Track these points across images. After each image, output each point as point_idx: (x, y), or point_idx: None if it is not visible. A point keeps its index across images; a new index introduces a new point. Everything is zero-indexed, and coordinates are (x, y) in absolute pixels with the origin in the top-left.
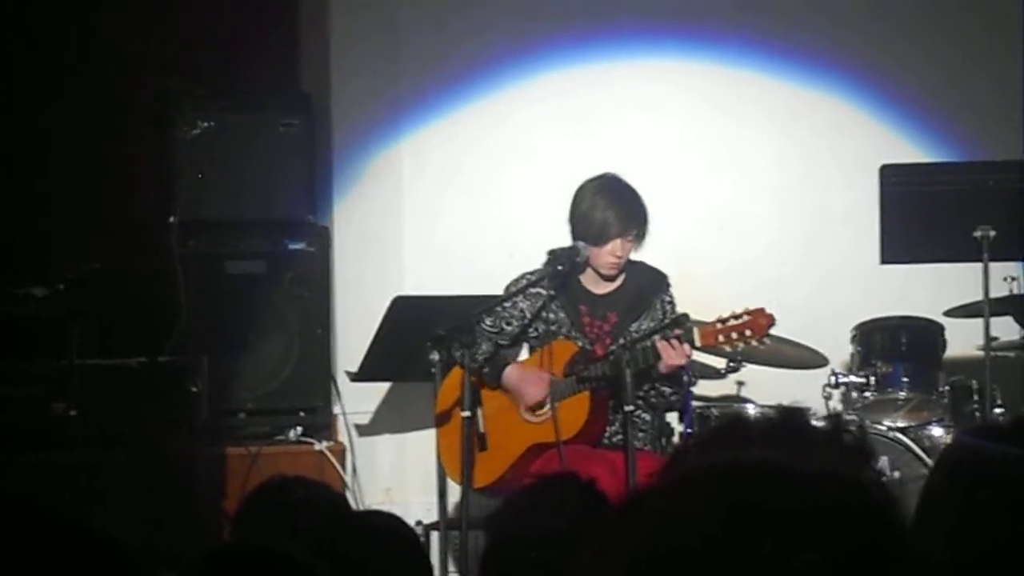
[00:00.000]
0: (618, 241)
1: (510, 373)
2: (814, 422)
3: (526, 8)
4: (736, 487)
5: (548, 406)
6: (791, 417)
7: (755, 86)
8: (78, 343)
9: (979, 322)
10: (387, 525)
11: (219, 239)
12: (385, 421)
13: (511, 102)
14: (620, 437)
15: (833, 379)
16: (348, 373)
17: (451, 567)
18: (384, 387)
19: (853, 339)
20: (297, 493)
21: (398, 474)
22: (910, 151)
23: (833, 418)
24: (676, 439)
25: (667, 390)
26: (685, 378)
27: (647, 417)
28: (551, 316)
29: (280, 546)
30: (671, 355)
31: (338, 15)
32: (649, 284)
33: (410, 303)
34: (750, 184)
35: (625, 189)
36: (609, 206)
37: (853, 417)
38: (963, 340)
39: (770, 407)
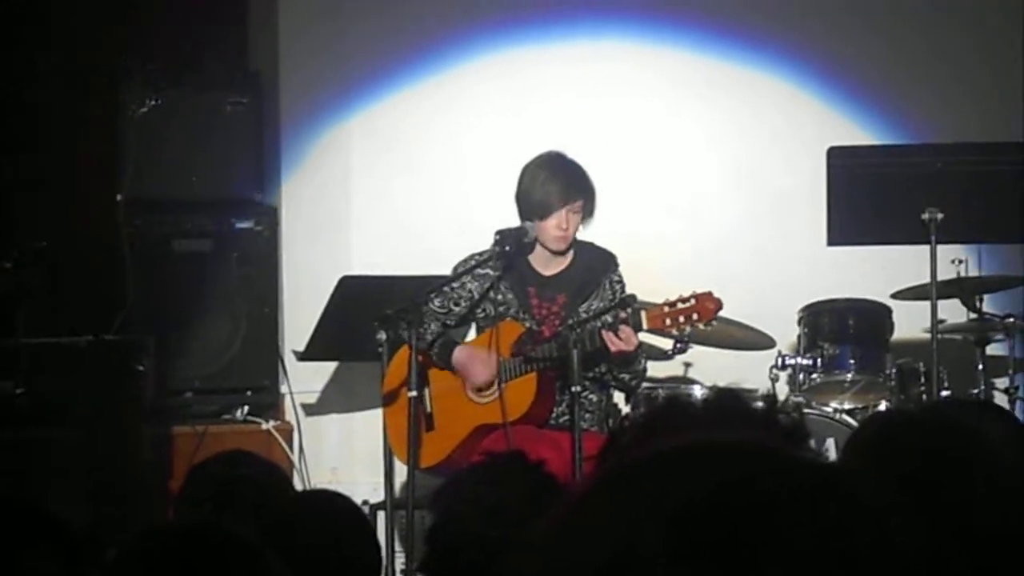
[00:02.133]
0: (562, 212)
1: (459, 353)
2: (752, 404)
3: None
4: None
5: (495, 387)
6: (728, 398)
7: (704, 68)
8: (25, 321)
9: (926, 304)
10: (334, 504)
11: (166, 218)
12: (332, 401)
13: (460, 81)
14: (567, 418)
15: (780, 361)
16: (295, 352)
17: (397, 547)
18: (331, 367)
19: (800, 321)
20: (239, 469)
21: (345, 454)
22: (858, 134)
23: (769, 398)
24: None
25: (625, 376)
26: (642, 363)
27: (594, 398)
28: (499, 297)
29: (220, 525)
30: (617, 344)
31: None
32: (597, 264)
33: (357, 282)
34: (698, 167)
35: (567, 163)
36: (550, 178)
37: (800, 399)
38: (910, 322)
39: (708, 388)
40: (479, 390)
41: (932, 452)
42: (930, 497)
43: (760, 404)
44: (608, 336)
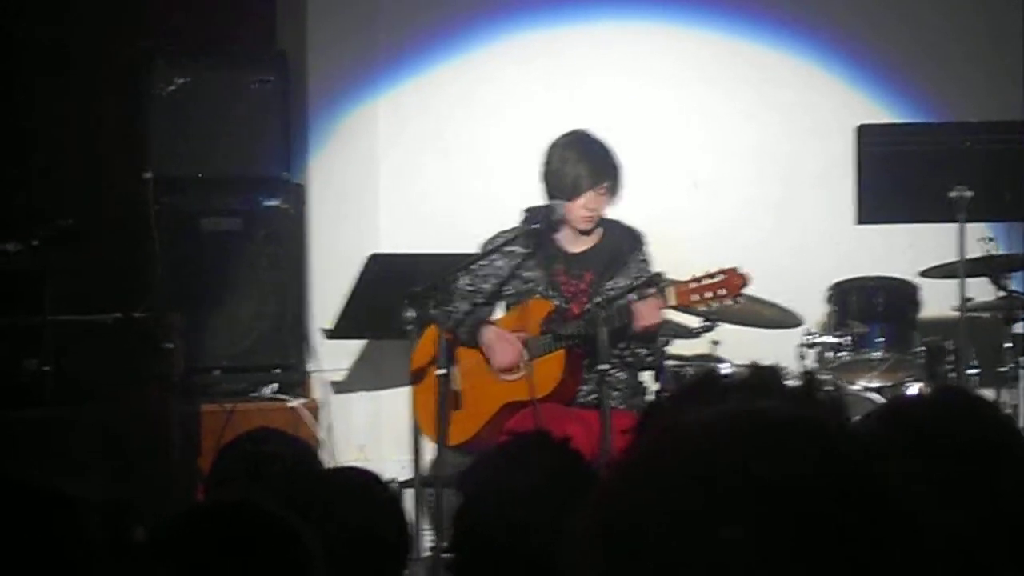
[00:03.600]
0: (590, 194)
1: (487, 333)
2: (789, 381)
3: None
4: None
5: (522, 364)
6: (764, 375)
7: (731, 48)
8: (52, 299)
9: (954, 283)
10: (363, 482)
11: (194, 196)
12: (360, 379)
13: (488, 60)
14: (595, 396)
15: (808, 339)
16: (323, 330)
17: (425, 524)
18: (359, 345)
19: (828, 299)
20: (269, 448)
21: (373, 431)
22: (884, 114)
23: (807, 376)
24: (650, 398)
25: (642, 351)
26: (661, 338)
27: (621, 376)
28: (527, 274)
29: (264, 504)
30: (644, 315)
31: None
32: (625, 243)
33: (386, 260)
34: (727, 145)
35: (594, 142)
36: (579, 160)
37: (828, 376)
38: (938, 300)
39: (744, 365)
40: (500, 372)
41: (964, 439)
42: (960, 482)
43: (798, 381)
44: (637, 307)
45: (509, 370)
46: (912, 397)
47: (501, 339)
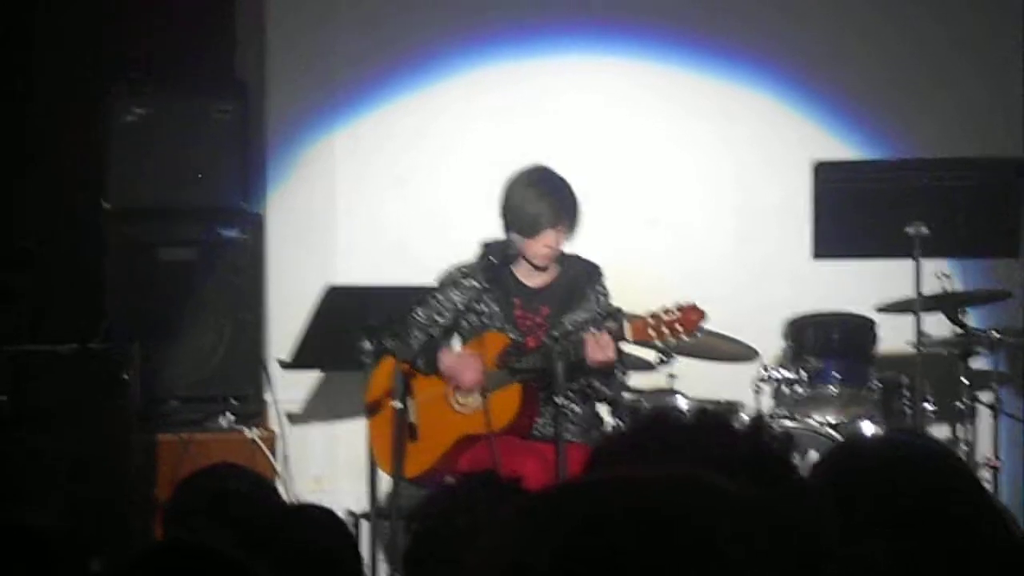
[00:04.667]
0: (550, 232)
1: (445, 359)
2: (739, 421)
3: (463, 2)
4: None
5: (479, 396)
6: (714, 416)
7: (688, 82)
8: (9, 329)
9: (910, 318)
10: (322, 518)
11: (152, 226)
12: (316, 410)
13: (445, 94)
14: (551, 429)
15: (764, 373)
16: (280, 361)
17: (381, 557)
18: (316, 376)
19: (785, 334)
20: (228, 483)
21: (329, 462)
22: (842, 148)
23: (755, 418)
24: (607, 430)
25: (599, 383)
26: (619, 372)
27: (577, 409)
28: (484, 308)
29: (217, 545)
30: (595, 350)
31: (275, 2)
32: (583, 276)
33: (343, 292)
34: (683, 180)
35: (555, 180)
36: (540, 197)
37: (783, 412)
38: (894, 336)
39: (699, 401)
40: (463, 398)
41: (932, 490)
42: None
43: (747, 422)
44: (588, 340)
45: (473, 389)
46: (865, 439)
47: (462, 360)
